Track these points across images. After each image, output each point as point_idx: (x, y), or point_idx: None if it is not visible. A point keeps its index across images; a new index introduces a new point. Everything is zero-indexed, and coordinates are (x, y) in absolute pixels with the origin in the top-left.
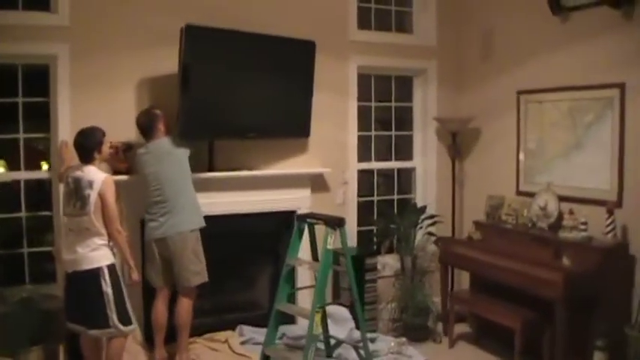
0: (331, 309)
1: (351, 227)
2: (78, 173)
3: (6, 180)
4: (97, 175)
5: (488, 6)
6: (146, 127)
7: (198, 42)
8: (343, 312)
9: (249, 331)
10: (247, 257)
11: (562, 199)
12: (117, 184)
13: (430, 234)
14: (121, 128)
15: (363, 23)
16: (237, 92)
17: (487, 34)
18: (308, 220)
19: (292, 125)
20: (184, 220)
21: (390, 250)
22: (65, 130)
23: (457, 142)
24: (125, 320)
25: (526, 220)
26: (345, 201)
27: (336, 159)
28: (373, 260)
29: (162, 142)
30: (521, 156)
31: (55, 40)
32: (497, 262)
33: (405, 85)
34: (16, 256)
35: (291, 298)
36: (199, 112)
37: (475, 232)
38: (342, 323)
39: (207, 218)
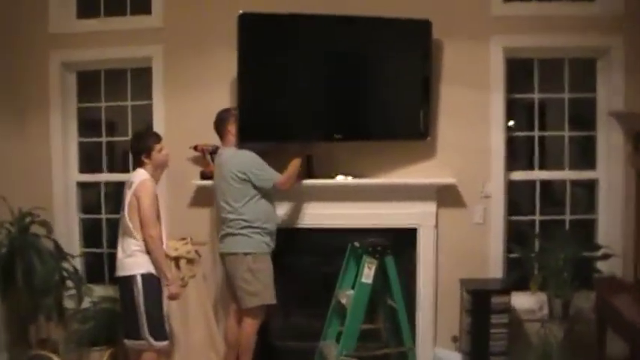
0: (442, 354)
1: (495, 253)
2: (130, 176)
3: None
4: (138, 177)
5: None
6: (216, 125)
7: (257, 31)
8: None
9: None
10: None
11: None
12: (203, 188)
13: (595, 271)
14: (211, 130)
15: None
16: (318, 87)
17: None
18: (354, 243)
19: (403, 125)
20: (239, 242)
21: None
22: (159, 132)
23: None
24: (158, 334)
25: None
26: (485, 220)
27: (475, 167)
28: (503, 299)
29: (227, 153)
30: None
31: (150, 42)
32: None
33: (587, 70)
34: None
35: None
36: (263, 112)
37: None
38: None
39: (305, 231)
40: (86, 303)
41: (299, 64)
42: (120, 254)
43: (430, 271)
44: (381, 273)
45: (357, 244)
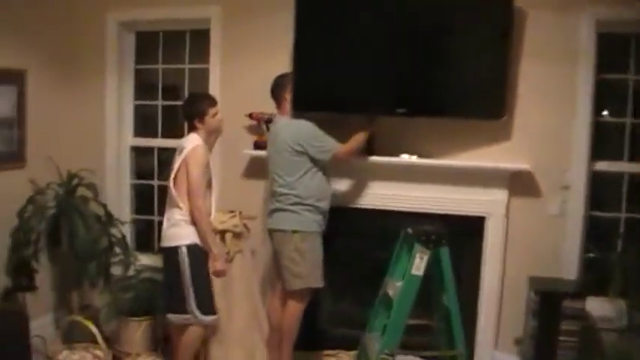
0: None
1: (570, 251)
2: (181, 141)
3: None
4: (190, 142)
5: None
6: (273, 91)
7: None
8: None
9: None
10: None
11: None
12: (257, 159)
13: None
14: (269, 98)
15: None
16: (381, 55)
17: None
18: (408, 229)
19: (475, 101)
20: (288, 218)
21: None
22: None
23: None
24: (205, 308)
25: None
26: (562, 213)
27: (554, 153)
28: (576, 303)
29: (282, 122)
30: None
31: (209, 3)
32: None
33: None
34: None
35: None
36: (319, 80)
37: None
38: None
39: (362, 211)
40: (133, 271)
41: (361, 30)
42: (165, 224)
43: (497, 266)
44: (436, 265)
45: (410, 230)
